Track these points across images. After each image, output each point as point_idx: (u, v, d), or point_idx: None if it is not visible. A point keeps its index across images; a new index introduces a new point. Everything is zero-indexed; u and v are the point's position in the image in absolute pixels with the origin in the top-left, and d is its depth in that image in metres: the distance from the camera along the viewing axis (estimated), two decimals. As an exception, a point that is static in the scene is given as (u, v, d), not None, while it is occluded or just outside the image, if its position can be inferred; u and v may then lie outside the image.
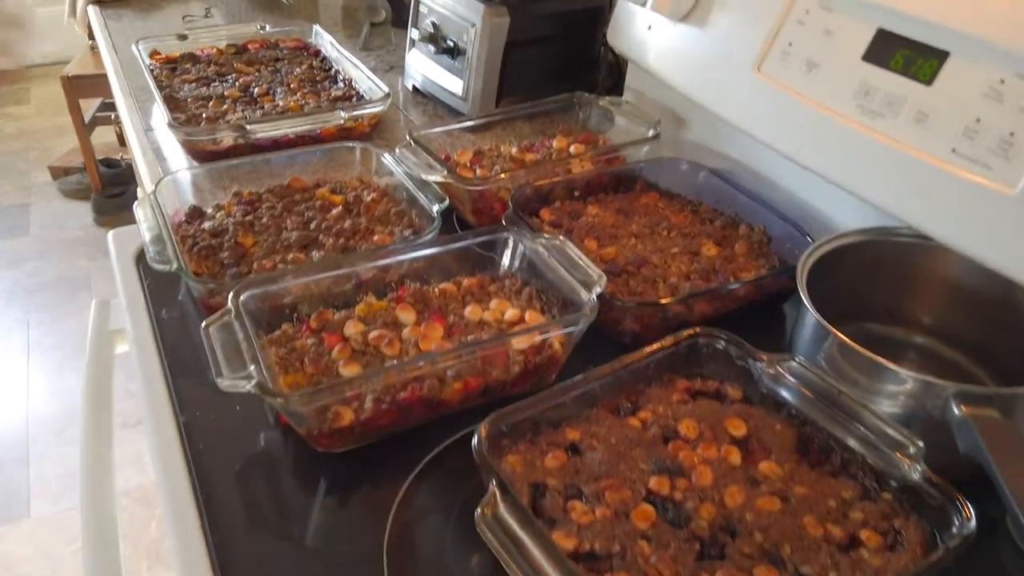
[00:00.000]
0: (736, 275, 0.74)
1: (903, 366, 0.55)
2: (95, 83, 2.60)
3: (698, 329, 0.62)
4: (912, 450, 0.52)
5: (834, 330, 0.57)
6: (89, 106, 2.84)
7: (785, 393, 0.59)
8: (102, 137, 2.92)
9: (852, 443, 0.55)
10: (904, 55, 0.64)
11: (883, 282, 0.70)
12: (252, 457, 0.60)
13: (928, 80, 0.62)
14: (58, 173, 3.09)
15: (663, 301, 0.68)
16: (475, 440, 0.50)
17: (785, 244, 0.77)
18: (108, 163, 2.92)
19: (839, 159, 0.69)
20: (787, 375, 0.58)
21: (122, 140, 2.70)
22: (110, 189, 2.88)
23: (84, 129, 2.78)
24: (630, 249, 0.78)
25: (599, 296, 0.64)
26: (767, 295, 0.74)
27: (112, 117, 2.70)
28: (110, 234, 0.84)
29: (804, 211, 0.81)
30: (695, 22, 0.84)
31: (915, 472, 0.51)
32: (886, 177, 0.65)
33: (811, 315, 0.60)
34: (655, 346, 0.60)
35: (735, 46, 0.79)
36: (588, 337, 0.65)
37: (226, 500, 0.57)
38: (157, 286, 0.77)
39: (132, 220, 0.78)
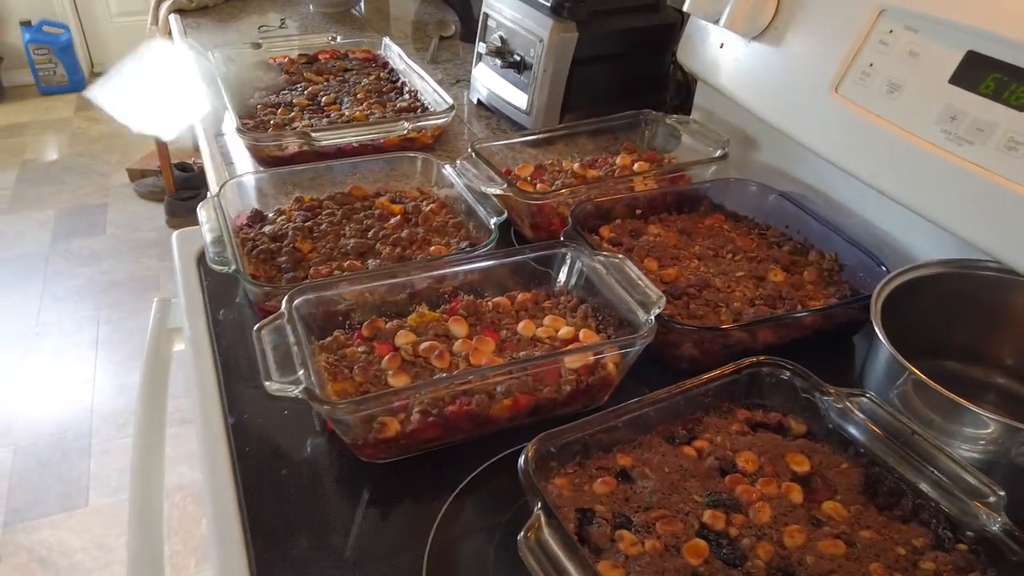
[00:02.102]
0: (804, 303, 0.71)
1: (983, 408, 0.51)
2: (174, 90, 2.69)
3: (762, 358, 0.59)
4: (992, 499, 0.48)
5: (910, 366, 0.54)
6: (168, 112, 2.95)
7: (853, 430, 0.55)
8: (177, 142, 3.03)
9: (925, 488, 0.51)
10: (996, 79, 0.61)
11: (963, 318, 0.66)
12: (297, 463, 0.60)
13: (1022, 106, 0.58)
14: (135, 175, 3.21)
15: (725, 326, 0.65)
16: (522, 460, 0.49)
17: (857, 273, 0.74)
18: (182, 167, 3.02)
19: (921, 186, 0.66)
20: (856, 411, 0.55)
21: (196, 145, 2.79)
22: (183, 192, 2.98)
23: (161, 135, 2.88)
24: (692, 271, 0.76)
25: (657, 318, 0.62)
26: (836, 326, 0.70)
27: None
28: (174, 234, 0.85)
29: (878, 239, 0.77)
30: (770, 41, 0.82)
31: (994, 523, 0.47)
32: (971, 207, 0.61)
33: (885, 349, 0.56)
34: (715, 373, 0.58)
35: (811, 66, 0.77)
36: (644, 360, 0.63)
37: (269, 504, 0.56)
38: (216, 287, 0.78)
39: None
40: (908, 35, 0.68)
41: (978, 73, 0.62)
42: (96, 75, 4.39)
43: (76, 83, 4.21)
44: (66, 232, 2.90)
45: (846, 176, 0.74)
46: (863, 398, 0.55)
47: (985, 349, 0.67)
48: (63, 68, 4.16)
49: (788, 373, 0.58)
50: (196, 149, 2.89)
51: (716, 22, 0.87)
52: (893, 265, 0.71)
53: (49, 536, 1.75)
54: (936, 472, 0.50)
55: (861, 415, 0.55)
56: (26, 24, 4.05)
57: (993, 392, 0.66)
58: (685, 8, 0.90)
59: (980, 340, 0.66)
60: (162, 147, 2.89)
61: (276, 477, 0.58)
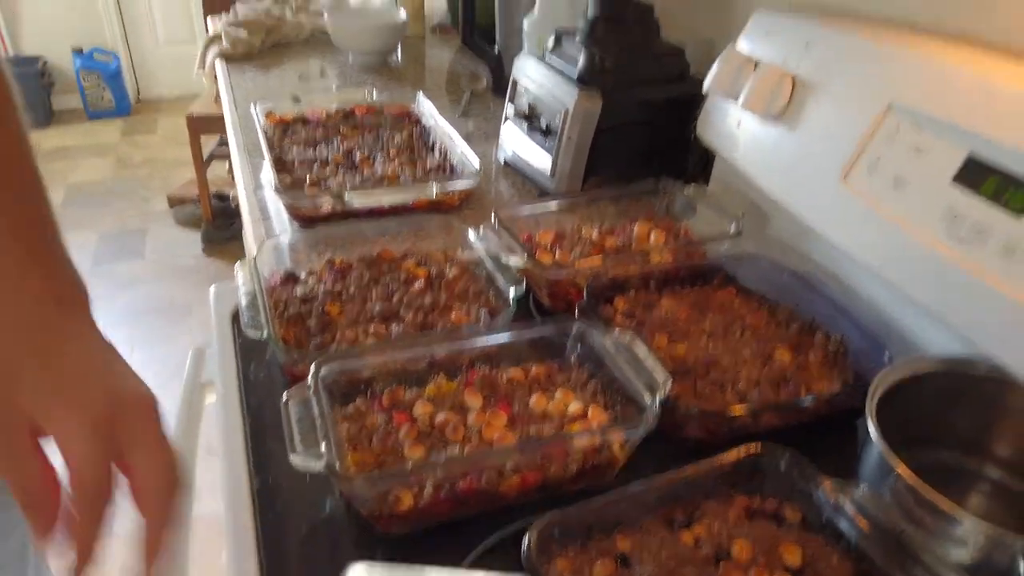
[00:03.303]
0: (808, 386, 0.73)
1: (974, 501, 0.53)
2: (216, 123, 2.79)
3: (761, 446, 0.61)
4: (976, 604, 0.50)
5: (900, 465, 0.56)
6: (209, 141, 3.05)
7: (845, 524, 0.57)
8: (217, 171, 3.13)
9: (912, 587, 0.53)
10: (995, 182, 0.63)
11: (962, 412, 0.68)
12: (317, 526, 0.63)
13: (1019, 212, 0.61)
14: (175, 202, 3.31)
15: (728, 412, 0.68)
16: (524, 545, 0.52)
17: (863, 358, 0.76)
18: (220, 196, 3.12)
19: (924, 280, 0.68)
20: (849, 504, 0.57)
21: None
22: (220, 220, 3.07)
23: (202, 163, 2.99)
24: (701, 348, 0.78)
25: (663, 400, 0.65)
26: (838, 411, 0.73)
27: (228, 156, 2.88)
28: (212, 288, 0.90)
29: (886, 324, 0.80)
30: (785, 124, 0.85)
31: (978, 628, 0.49)
32: (971, 306, 0.64)
33: (877, 445, 0.58)
34: (716, 460, 0.60)
35: (823, 153, 0.80)
36: (651, 436, 0.65)
37: (289, 565, 0.60)
38: (249, 343, 0.83)
39: (235, 250, 0.84)
40: (914, 132, 0.70)
41: (979, 175, 0.65)
42: (142, 101, 4.55)
43: (123, 108, 4.37)
44: (107, 256, 3.00)
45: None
46: (857, 491, 0.57)
47: (983, 442, 0.68)
48: (110, 94, 4.32)
49: (786, 462, 0.61)
50: (233, 180, 2.99)
51: (735, 100, 0.91)
52: (898, 350, 0.73)
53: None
54: (923, 573, 0.52)
55: (853, 509, 0.57)
56: (78, 51, 4.22)
57: (987, 484, 0.68)
58: (704, 87, 0.94)
59: (978, 433, 0.68)
60: (202, 176, 2.99)
61: (296, 542, 0.62)
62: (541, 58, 1.15)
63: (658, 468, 0.69)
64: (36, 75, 4.07)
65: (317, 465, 0.56)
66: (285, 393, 0.63)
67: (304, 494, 0.66)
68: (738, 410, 0.69)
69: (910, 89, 0.71)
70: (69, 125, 4.19)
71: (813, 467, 0.60)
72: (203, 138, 2.95)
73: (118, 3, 4.30)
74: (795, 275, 0.85)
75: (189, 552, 0.68)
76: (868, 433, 0.61)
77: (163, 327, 2.62)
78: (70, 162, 3.80)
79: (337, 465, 0.56)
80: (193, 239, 3.12)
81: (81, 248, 3.03)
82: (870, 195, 0.73)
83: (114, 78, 4.28)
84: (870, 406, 0.62)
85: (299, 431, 0.59)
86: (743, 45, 0.92)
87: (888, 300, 0.80)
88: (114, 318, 2.64)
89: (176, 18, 4.42)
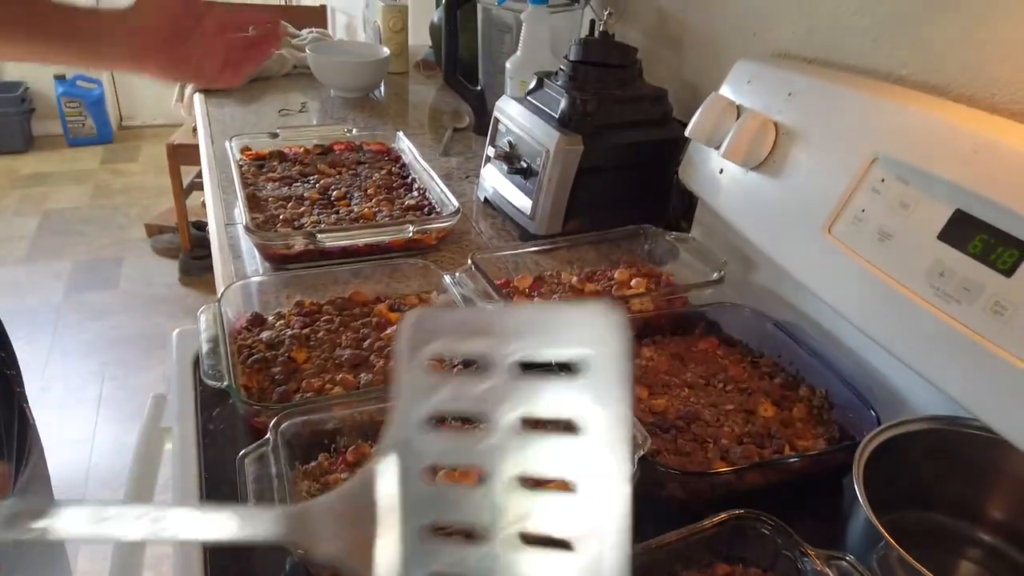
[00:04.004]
0: (792, 443, 0.71)
1: (966, 569, 0.51)
2: (196, 153, 2.76)
3: (742, 512, 0.58)
4: None
5: (888, 537, 0.53)
6: (189, 171, 3.02)
7: (832, 596, 0.54)
8: (196, 200, 3.09)
9: (903, 668, 0.50)
10: (983, 240, 0.61)
11: (951, 473, 0.66)
12: (272, 592, 0.60)
13: (1008, 271, 0.59)
14: (153, 231, 3.27)
15: (710, 472, 0.65)
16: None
17: (848, 413, 0.74)
18: (198, 225, 3.08)
19: (909, 337, 0.66)
20: (835, 575, 0.54)
21: (214, 207, 2.84)
22: (197, 251, 3.02)
23: (181, 193, 2.95)
24: (682, 401, 0.76)
25: (641, 459, 0.62)
26: (824, 469, 0.70)
27: (208, 185, 2.85)
28: (175, 333, 0.86)
29: (871, 377, 0.77)
30: (767, 173, 0.84)
31: None
32: (957, 366, 0.62)
33: (864, 512, 0.56)
34: (695, 527, 0.57)
35: (806, 203, 0.78)
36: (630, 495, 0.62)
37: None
38: (210, 390, 0.79)
39: (212, 280, 0.80)
40: (899, 185, 0.69)
41: (966, 232, 0.63)
42: (124, 128, 4.52)
43: (104, 135, 4.33)
44: (80, 285, 2.95)
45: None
46: (843, 562, 0.55)
47: (974, 504, 0.66)
48: (92, 120, 4.28)
49: (769, 528, 0.58)
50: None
51: (716, 148, 0.89)
52: (884, 407, 0.71)
53: (33, 602, 1.72)
54: (914, 652, 0.50)
55: (840, 581, 0.54)
56: (60, 78, 4.19)
57: (979, 548, 0.65)
58: (687, 133, 0.93)
59: (969, 495, 0.66)
60: (181, 205, 2.95)
61: (249, 609, 0.58)
62: (523, 99, 1.13)
63: (635, 530, 0.66)
64: (17, 100, 4.03)
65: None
66: (242, 451, 0.59)
67: (263, 553, 0.62)
68: (720, 469, 0.66)
69: (896, 141, 0.70)
70: (49, 151, 4.14)
71: (796, 537, 0.57)
72: (184, 167, 2.92)
73: (103, 31, 4.29)
74: (778, 325, 0.83)
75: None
76: (855, 495, 0.59)
77: (136, 359, 2.55)
78: (48, 188, 3.74)
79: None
80: (170, 268, 3.07)
81: (55, 276, 2.97)
82: (854, 248, 0.72)
83: (96, 105, 4.25)
84: (857, 471, 0.59)
85: (255, 492, 0.56)
86: (726, 91, 0.91)
87: (874, 352, 0.78)
88: (85, 347, 2.58)
89: (161, 47, 4.41)
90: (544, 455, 0.27)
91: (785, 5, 0.96)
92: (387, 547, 0.28)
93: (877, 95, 0.75)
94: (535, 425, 0.27)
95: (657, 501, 0.67)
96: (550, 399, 0.27)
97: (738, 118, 0.87)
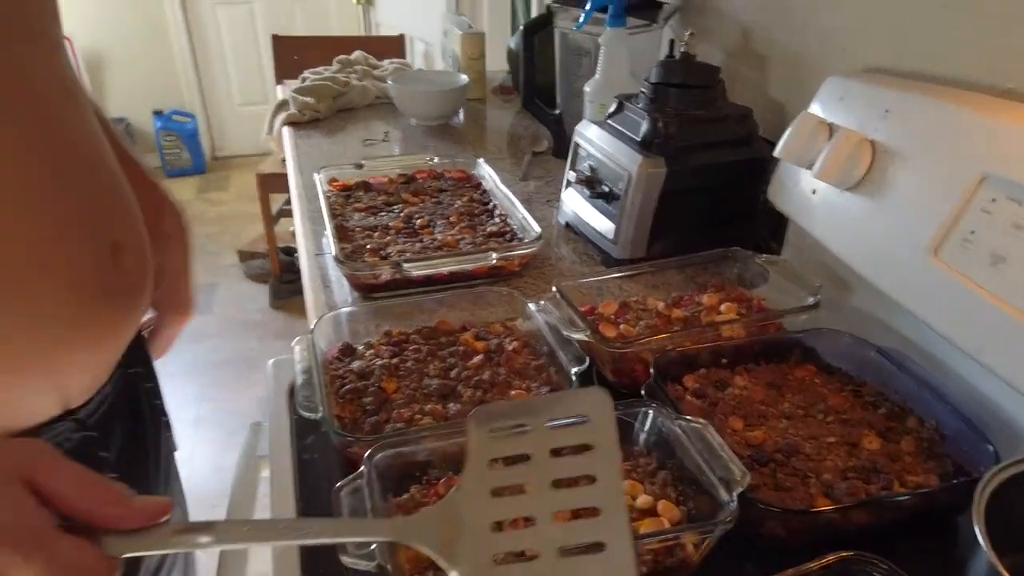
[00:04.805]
0: (901, 478, 0.67)
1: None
2: (284, 180, 2.86)
3: (851, 554, 0.55)
4: None
5: (1017, 586, 0.49)
6: (278, 198, 3.13)
7: (953, 649, 0.51)
8: (285, 226, 3.20)
9: None
10: (1112, 262, 0.57)
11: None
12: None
13: None
14: (244, 257, 3.40)
15: (813, 510, 0.62)
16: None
17: (961, 446, 0.69)
18: (287, 251, 3.19)
19: (1029, 367, 0.62)
20: (957, 626, 0.51)
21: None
22: (287, 275, 3.13)
23: (270, 220, 3.06)
24: (780, 433, 0.73)
25: (740, 495, 0.60)
26: (937, 507, 0.66)
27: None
28: (270, 363, 0.89)
29: (985, 408, 0.73)
30: (865, 193, 0.80)
31: None
32: (1088, 399, 0.57)
33: (986, 556, 0.52)
34: (801, 569, 0.55)
35: (909, 226, 0.74)
36: (727, 534, 0.60)
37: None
38: (304, 419, 0.81)
39: (301, 304, 0.83)
40: (1012, 206, 0.65)
41: (1092, 253, 0.59)
42: (216, 159, 4.73)
43: (198, 166, 4.55)
44: (178, 310, 3.09)
45: (947, 341, 0.70)
46: (965, 611, 0.51)
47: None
48: (187, 152, 4.51)
49: (881, 572, 0.55)
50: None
51: (808, 168, 0.86)
52: (1000, 438, 0.66)
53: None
54: None
55: (962, 632, 0.50)
56: (158, 113, 4.43)
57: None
58: (776, 153, 0.90)
59: (1102, 540, 0.61)
60: (270, 231, 3.07)
61: (346, 642, 0.58)
62: (603, 123, 1.13)
63: (735, 570, 0.64)
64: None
65: (368, 565, 0.53)
66: (338, 484, 0.60)
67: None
68: (824, 505, 0.63)
69: (1006, 159, 0.66)
70: (149, 183, 4.37)
71: (912, 579, 0.54)
72: (272, 195, 3.03)
73: (196, 67, 4.52)
74: (881, 351, 0.79)
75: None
76: (974, 538, 0.55)
77: (231, 382, 2.66)
78: (148, 219, 3.94)
79: (388, 566, 0.53)
80: (261, 293, 3.19)
81: (154, 303, 3.12)
82: (965, 272, 0.68)
83: (191, 138, 4.48)
84: (978, 509, 0.55)
85: (351, 526, 0.56)
86: (816, 109, 0.88)
87: (987, 381, 0.73)
88: (186, 369, 2.70)
89: (250, 81, 4.62)
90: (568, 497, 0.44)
91: (875, 19, 0.92)
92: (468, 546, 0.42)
93: (982, 110, 0.71)
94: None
95: (756, 540, 0.65)
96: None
97: (831, 137, 0.84)
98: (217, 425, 2.43)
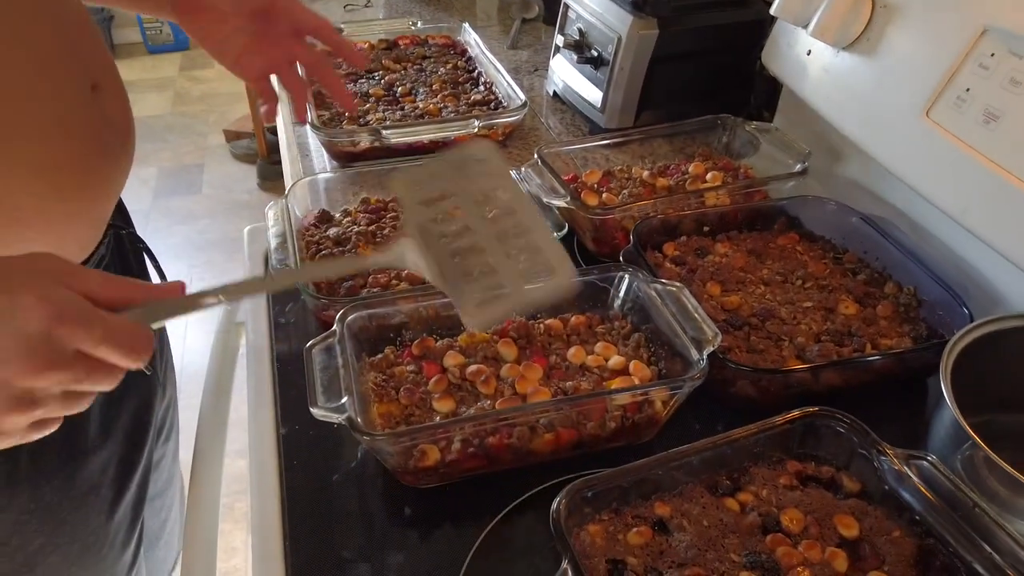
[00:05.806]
0: (875, 341, 0.67)
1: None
2: (269, 56, 2.75)
3: (817, 408, 0.56)
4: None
5: (974, 436, 0.50)
6: (263, 76, 3.02)
7: (910, 496, 0.52)
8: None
9: (979, 568, 0.48)
10: (1109, 117, 0.55)
11: (1049, 375, 0.61)
12: (343, 478, 0.61)
13: None
14: (231, 136, 3.32)
15: (782, 369, 0.62)
16: (553, 510, 0.48)
17: (937, 311, 0.69)
18: (274, 131, 3.11)
19: (1012, 228, 0.61)
20: (915, 476, 0.52)
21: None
22: (275, 156, 3.07)
23: (256, 98, 2.97)
24: (757, 298, 0.73)
25: (711, 355, 0.60)
26: (908, 369, 0.66)
27: (281, 89, 2.86)
28: (246, 229, 0.88)
29: (964, 273, 0.72)
30: (860, 52, 0.76)
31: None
32: (1068, 258, 0.56)
33: (950, 412, 0.53)
34: (766, 423, 0.56)
35: (903, 84, 0.71)
36: (697, 393, 0.61)
37: (310, 519, 0.58)
38: (282, 285, 0.80)
39: None
40: (1012, 60, 0.62)
41: (1089, 109, 0.56)
42: (199, 35, 4.52)
43: (181, 42, 4.36)
44: (166, 190, 3.05)
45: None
46: (924, 462, 0.52)
47: (1072, 408, 0.62)
48: (169, 27, 4.31)
49: (845, 427, 0.56)
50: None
51: (805, 27, 0.82)
52: (977, 304, 0.66)
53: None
54: (993, 552, 0.47)
55: (919, 481, 0.52)
56: (136, -15, 4.19)
57: (1077, 454, 0.61)
58: (772, 11, 0.85)
59: (1067, 399, 0.62)
60: (255, 112, 2.98)
61: (320, 492, 0.60)
62: (594, -19, 1.06)
63: (703, 428, 0.65)
64: (97, 9, 4.09)
65: (338, 418, 0.54)
66: (309, 343, 0.60)
67: (333, 443, 0.64)
68: (795, 366, 0.63)
69: (1010, 10, 0.62)
70: (130, 59, 4.22)
71: (874, 435, 0.55)
72: (257, 72, 2.92)
73: (173, -66, 4.26)
74: (865, 219, 0.78)
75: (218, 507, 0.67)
76: (941, 395, 0.55)
77: (220, 261, 2.65)
78: (132, 96, 3.82)
79: (359, 419, 0.53)
80: (249, 173, 3.13)
81: (142, 183, 3.07)
82: (955, 131, 0.65)
83: (172, 12, 4.27)
84: (945, 366, 0.56)
85: (322, 381, 0.57)
86: (817, -38, 0.83)
87: (970, 246, 0.73)
88: (175, 250, 2.69)
89: (231, -51, 4.37)
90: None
91: None
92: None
93: (992, -43, 0.66)
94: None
95: (726, 400, 0.66)
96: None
97: (830, -9, 0.79)
98: (210, 305, 2.44)
